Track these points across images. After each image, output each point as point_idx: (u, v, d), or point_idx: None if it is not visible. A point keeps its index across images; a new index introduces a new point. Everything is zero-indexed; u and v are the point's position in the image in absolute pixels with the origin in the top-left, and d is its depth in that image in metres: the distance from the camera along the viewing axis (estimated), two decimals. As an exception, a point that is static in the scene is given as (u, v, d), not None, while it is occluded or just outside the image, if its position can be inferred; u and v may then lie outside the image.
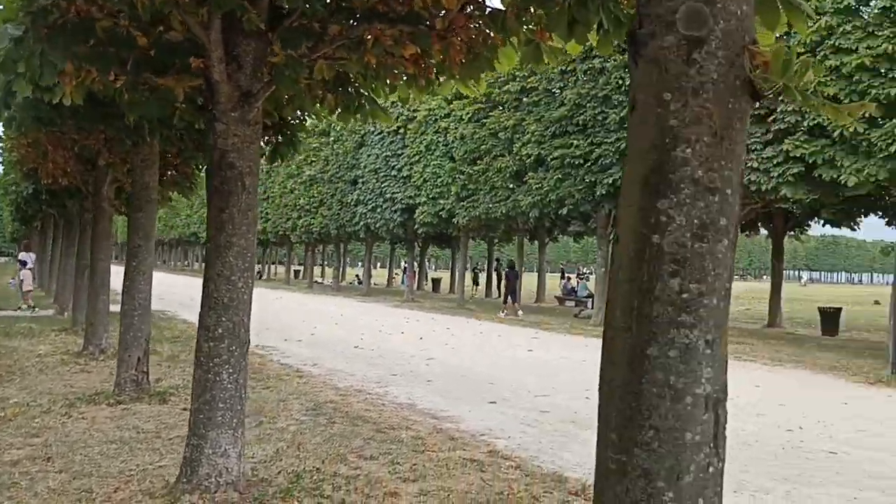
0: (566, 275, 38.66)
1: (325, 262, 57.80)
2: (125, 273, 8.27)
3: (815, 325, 21.68)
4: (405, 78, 5.18)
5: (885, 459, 6.44)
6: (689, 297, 1.88)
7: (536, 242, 36.03)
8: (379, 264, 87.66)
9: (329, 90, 5.45)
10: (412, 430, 6.87)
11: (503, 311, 24.07)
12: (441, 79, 5.10)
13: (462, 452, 6.07)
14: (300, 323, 18.32)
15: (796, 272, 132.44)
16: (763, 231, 24.67)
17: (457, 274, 35.11)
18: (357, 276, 51.59)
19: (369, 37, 4.63)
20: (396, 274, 55.20)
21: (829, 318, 20.87)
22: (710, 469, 1.92)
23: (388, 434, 6.60)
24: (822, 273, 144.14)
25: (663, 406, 1.88)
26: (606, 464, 1.97)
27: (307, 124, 5.94)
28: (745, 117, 1.93)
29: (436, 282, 44.24)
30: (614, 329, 1.98)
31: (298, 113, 5.55)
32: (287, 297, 31.87)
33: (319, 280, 49.06)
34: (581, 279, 33.87)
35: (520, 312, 23.57)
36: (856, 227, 22.38)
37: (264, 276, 54.72)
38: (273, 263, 62.26)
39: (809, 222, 22.86)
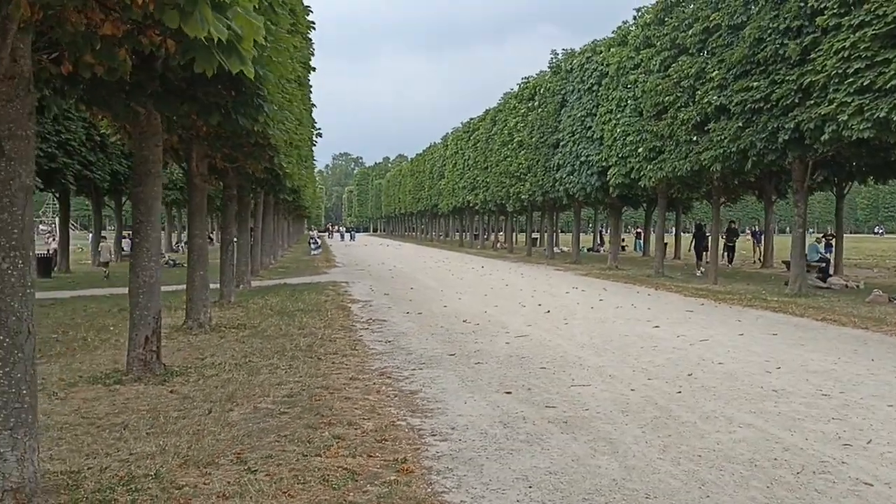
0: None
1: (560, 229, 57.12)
2: (131, 251, 8.15)
3: None
4: None
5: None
6: None
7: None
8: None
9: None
10: (354, 426, 5.93)
11: (699, 271, 25.87)
12: None
13: (359, 461, 5.05)
14: (451, 295, 17.71)
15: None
16: None
17: (670, 238, 32.57)
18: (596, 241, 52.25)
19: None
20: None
21: None
22: None
23: (314, 433, 5.73)
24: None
25: None
26: None
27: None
28: None
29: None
30: None
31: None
32: (489, 265, 31.46)
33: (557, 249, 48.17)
34: (827, 240, 29.60)
35: (699, 272, 25.54)
36: None
37: (498, 245, 54.58)
38: (513, 231, 61.91)
39: None
